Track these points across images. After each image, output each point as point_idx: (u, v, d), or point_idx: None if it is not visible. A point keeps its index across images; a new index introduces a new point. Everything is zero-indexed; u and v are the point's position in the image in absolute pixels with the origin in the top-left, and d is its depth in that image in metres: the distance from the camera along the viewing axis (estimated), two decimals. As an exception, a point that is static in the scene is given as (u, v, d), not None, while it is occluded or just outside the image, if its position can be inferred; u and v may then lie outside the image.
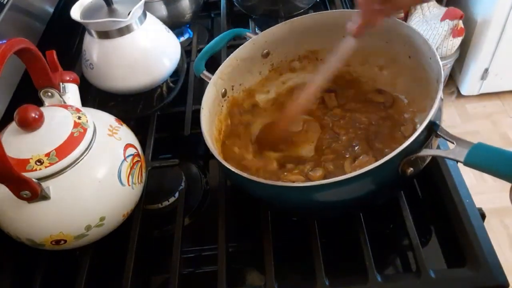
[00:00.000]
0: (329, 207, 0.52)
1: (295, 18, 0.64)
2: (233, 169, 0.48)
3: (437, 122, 0.46)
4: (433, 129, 0.45)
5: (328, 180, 0.44)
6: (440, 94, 0.47)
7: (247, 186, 0.50)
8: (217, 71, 0.61)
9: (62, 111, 0.51)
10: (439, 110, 0.47)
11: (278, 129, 0.63)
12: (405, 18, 1.89)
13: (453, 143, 0.43)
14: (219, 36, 0.67)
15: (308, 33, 0.64)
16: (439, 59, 0.50)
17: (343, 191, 0.46)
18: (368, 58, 0.65)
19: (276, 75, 0.69)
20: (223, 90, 0.63)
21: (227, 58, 0.62)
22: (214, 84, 0.60)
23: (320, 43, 0.66)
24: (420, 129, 0.43)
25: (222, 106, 0.63)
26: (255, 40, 0.64)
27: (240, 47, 0.63)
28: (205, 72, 0.63)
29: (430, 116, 0.44)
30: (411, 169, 0.45)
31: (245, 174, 0.47)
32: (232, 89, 0.65)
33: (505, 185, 0.40)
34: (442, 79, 0.48)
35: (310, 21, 0.64)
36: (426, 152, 0.45)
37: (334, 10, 0.62)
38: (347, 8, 0.87)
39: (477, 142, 0.42)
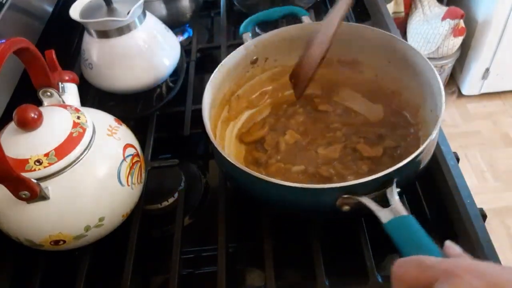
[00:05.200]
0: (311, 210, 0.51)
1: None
2: (227, 156, 0.48)
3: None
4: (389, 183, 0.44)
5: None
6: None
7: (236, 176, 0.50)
8: (255, 39, 0.62)
9: (61, 111, 0.51)
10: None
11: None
12: (406, 18, 1.88)
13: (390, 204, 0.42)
14: (275, 8, 0.68)
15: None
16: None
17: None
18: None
19: None
20: (254, 57, 0.63)
21: (270, 32, 0.63)
22: (246, 48, 0.61)
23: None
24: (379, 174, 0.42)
25: (247, 71, 0.64)
26: (304, 26, 0.64)
27: (289, 26, 0.63)
28: (246, 35, 0.64)
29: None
30: (347, 207, 0.45)
31: (234, 161, 0.47)
32: (265, 61, 0.65)
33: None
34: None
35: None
36: (361, 199, 0.43)
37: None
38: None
39: (408, 215, 0.40)
